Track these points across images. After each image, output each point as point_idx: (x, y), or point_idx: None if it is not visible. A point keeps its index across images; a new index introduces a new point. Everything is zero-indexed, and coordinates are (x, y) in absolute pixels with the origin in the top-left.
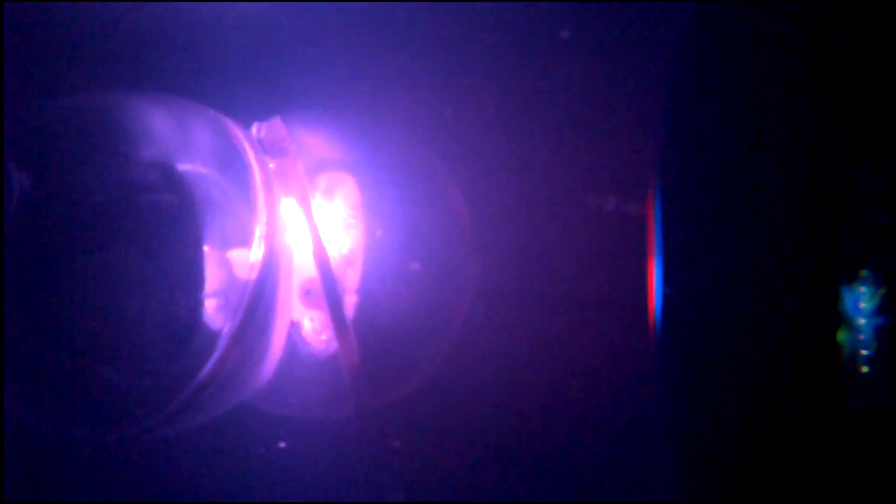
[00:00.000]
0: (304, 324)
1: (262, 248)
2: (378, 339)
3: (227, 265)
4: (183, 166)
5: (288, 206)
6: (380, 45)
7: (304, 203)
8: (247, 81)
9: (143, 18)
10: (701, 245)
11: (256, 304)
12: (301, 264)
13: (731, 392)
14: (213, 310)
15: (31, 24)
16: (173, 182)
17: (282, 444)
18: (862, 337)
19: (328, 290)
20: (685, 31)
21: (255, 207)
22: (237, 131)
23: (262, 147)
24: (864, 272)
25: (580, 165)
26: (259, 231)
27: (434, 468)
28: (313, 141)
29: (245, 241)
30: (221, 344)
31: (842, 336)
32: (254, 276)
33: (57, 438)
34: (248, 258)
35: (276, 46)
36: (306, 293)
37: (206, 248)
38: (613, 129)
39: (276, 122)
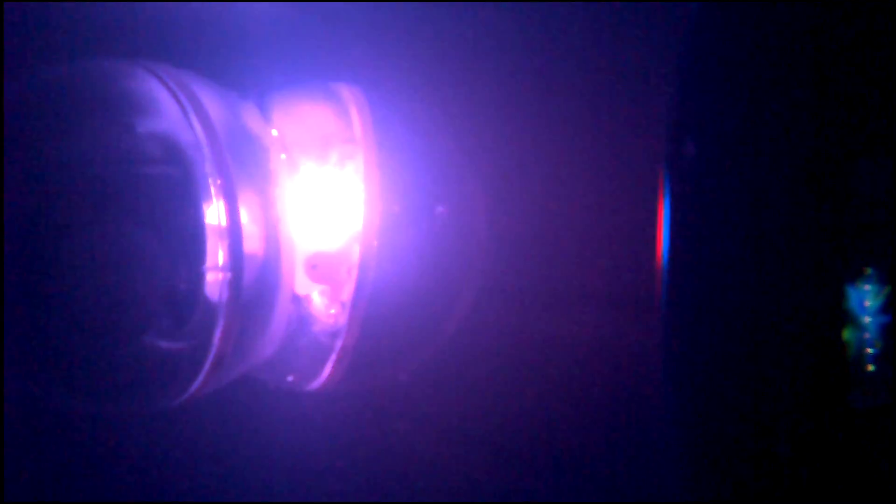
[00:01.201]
0: (313, 298)
1: (227, 222)
2: (385, 315)
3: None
4: (185, 138)
5: (297, 181)
6: (391, 25)
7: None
8: (256, 54)
9: None
10: (706, 243)
11: (239, 276)
12: (307, 238)
13: (735, 390)
14: (216, 283)
15: None
16: (174, 154)
17: (289, 378)
18: (867, 335)
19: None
20: (688, 29)
21: (248, 180)
22: (243, 105)
23: None
24: (869, 270)
25: (587, 161)
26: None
27: (434, 468)
28: (324, 114)
29: (247, 215)
30: (220, 319)
31: (847, 334)
32: (228, 249)
33: (57, 438)
34: (251, 232)
35: (287, 18)
36: (312, 267)
37: (207, 221)
38: (621, 126)
39: None
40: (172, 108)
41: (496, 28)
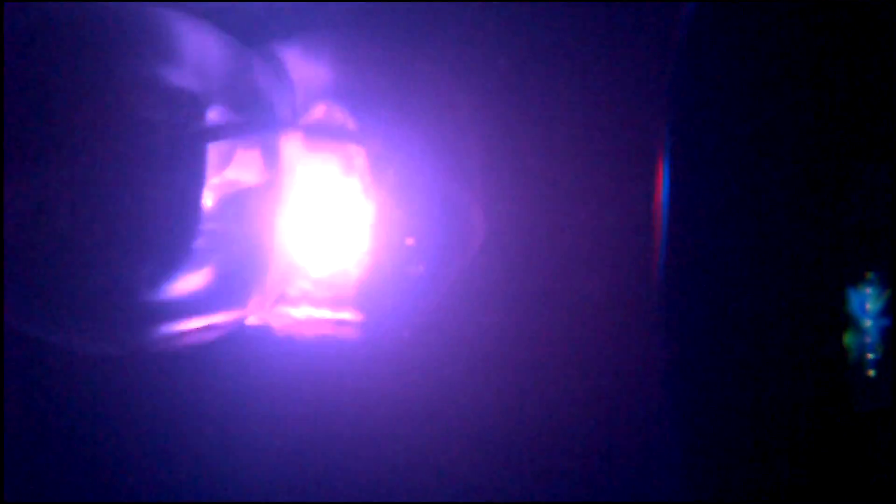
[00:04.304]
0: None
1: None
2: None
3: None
4: (188, 85)
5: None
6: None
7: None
8: (265, 6)
9: None
10: (705, 247)
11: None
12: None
13: (735, 394)
14: (211, 234)
15: None
16: (176, 101)
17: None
18: (868, 339)
19: None
20: (685, 30)
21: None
22: (250, 56)
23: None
24: (870, 274)
25: (583, 162)
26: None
27: (431, 470)
28: (319, 68)
29: (246, 163)
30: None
31: (848, 338)
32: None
33: (57, 437)
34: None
35: None
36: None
37: (204, 174)
38: (618, 129)
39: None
40: (175, 53)
41: (490, 27)
